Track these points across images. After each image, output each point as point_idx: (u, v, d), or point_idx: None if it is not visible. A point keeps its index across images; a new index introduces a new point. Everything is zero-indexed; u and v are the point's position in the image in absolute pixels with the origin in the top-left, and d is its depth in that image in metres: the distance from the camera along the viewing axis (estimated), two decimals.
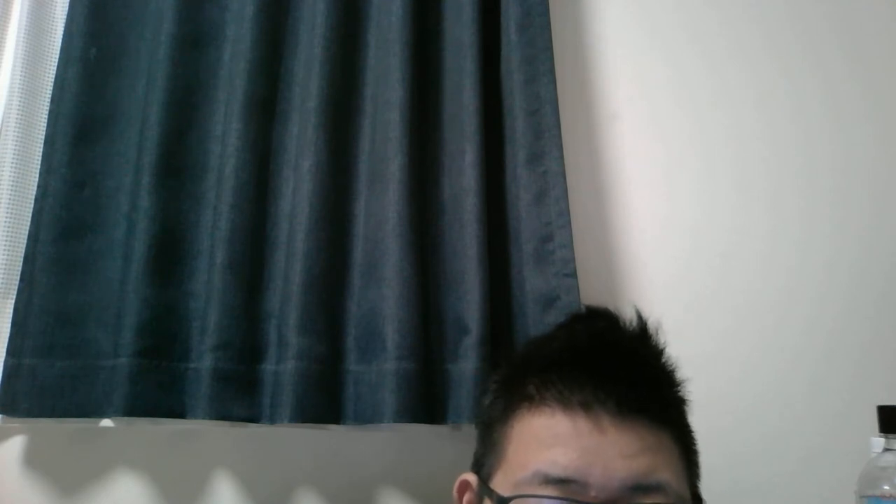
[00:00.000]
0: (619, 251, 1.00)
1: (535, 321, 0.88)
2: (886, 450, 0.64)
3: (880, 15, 1.06)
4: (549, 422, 0.53)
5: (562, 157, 0.92)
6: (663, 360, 0.58)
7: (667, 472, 0.51)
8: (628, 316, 0.60)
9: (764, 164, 1.02)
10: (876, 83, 1.04)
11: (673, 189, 1.02)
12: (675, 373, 0.58)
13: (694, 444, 0.58)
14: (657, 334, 0.59)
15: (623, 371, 0.54)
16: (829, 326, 0.96)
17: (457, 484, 0.61)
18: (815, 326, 0.96)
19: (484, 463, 0.58)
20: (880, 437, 0.65)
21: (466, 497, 0.60)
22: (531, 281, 0.90)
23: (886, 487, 0.62)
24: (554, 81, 0.94)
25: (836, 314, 0.96)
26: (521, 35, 0.96)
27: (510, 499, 0.51)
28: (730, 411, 0.92)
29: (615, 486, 0.49)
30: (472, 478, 0.60)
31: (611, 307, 0.61)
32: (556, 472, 0.50)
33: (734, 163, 1.02)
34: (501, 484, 0.53)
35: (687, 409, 0.59)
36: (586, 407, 0.52)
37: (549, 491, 0.50)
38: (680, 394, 0.58)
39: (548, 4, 0.97)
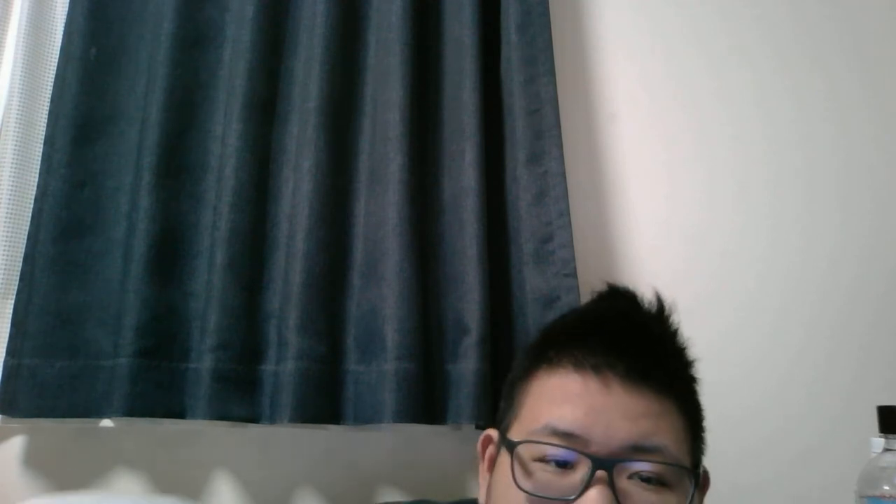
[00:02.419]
0: (619, 251, 1.00)
1: (535, 321, 0.88)
2: (886, 450, 0.64)
3: (881, 15, 1.06)
4: (562, 381, 0.57)
5: (562, 157, 0.92)
6: (676, 338, 0.62)
7: (667, 438, 0.55)
8: (648, 296, 0.64)
9: (765, 164, 1.02)
10: (877, 83, 1.04)
11: (673, 189, 1.02)
12: (686, 350, 0.62)
13: (701, 420, 0.61)
14: (672, 315, 0.63)
15: (635, 341, 0.58)
16: (829, 327, 0.96)
17: (481, 438, 0.66)
18: (816, 327, 0.96)
19: (504, 417, 0.62)
20: (880, 437, 0.65)
21: (489, 450, 0.64)
22: (531, 281, 0.90)
23: (886, 487, 0.62)
24: (554, 81, 0.94)
25: (836, 314, 0.96)
26: (521, 35, 0.96)
27: (519, 443, 0.56)
28: (730, 411, 0.92)
29: (615, 445, 0.53)
30: (493, 432, 0.64)
31: (632, 287, 0.64)
32: (563, 426, 0.55)
33: (735, 162, 1.02)
34: (516, 435, 0.58)
35: (697, 387, 0.62)
36: (596, 369, 0.56)
37: (555, 441, 0.54)
38: (689, 370, 0.62)
39: (548, 4, 0.97)
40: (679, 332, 0.62)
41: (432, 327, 0.89)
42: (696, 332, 0.94)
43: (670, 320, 0.63)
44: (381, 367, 0.86)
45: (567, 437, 0.54)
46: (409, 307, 0.86)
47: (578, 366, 0.57)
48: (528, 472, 0.55)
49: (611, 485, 0.52)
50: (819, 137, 1.02)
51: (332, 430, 0.90)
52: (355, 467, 0.94)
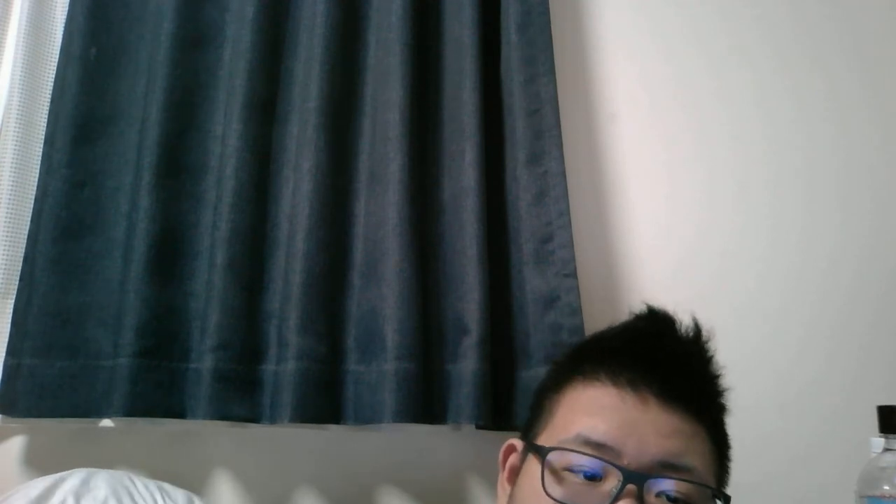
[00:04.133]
0: (619, 251, 1.00)
1: (535, 321, 0.88)
2: (886, 450, 0.64)
3: (881, 15, 1.06)
4: (597, 393, 0.58)
5: (562, 157, 0.92)
6: (711, 364, 0.63)
7: (697, 459, 0.55)
8: (685, 320, 0.64)
9: (765, 164, 1.02)
10: (877, 83, 1.04)
11: (673, 189, 1.02)
12: (720, 378, 0.63)
13: (728, 449, 0.62)
14: (709, 341, 0.63)
15: (672, 361, 0.59)
16: (829, 326, 0.96)
17: (503, 448, 0.66)
18: (816, 326, 0.96)
19: (531, 427, 0.63)
20: (880, 437, 0.65)
21: (511, 459, 0.65)
22: (531, 281, 0.90)
23: (886, 487, 0.62)
24: (554, 81, 0.94)
25: (836, 314, 0.96)
26: (521, 35, 0.96)
27: (551, 449, 0.56)
28: (730, 411, 0.92)
29: (646, 460, 0.53)
30: (517, 441, 0.65)
31: (671, 312, 0.65)
32: (596, 436, 0.55)
33: (735, 162, 1.02)
34: (545, 443, 0.58)
35: (726, 417, 0.63)
36: (633, 384, 0.57)
37: (587, 450, 0.54)
38: (721, 398, 0.62)
39: (548, 4, 0.97)
40: (714, 358, 0.63)
41: (432, 327, 0.89)
42: None
43: (707, 346, 0.63)
44: (381, 367, 0.86)
45: (599, 447, 0.54)
46: (409, 307, 0.86)
47: (615, 380, 0.57)
48: (558, 479, 0.55)
49: (639, 500, 0.52)
50: (819, 137, 1.02)
51: (332, 430, 0.90)
52: (355, 467, 0.94)
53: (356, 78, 0.98)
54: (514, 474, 0.62)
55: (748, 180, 1.01)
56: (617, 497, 0.52)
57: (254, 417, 0.87)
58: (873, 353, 0.94)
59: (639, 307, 0.66)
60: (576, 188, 0.96)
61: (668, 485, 0.53)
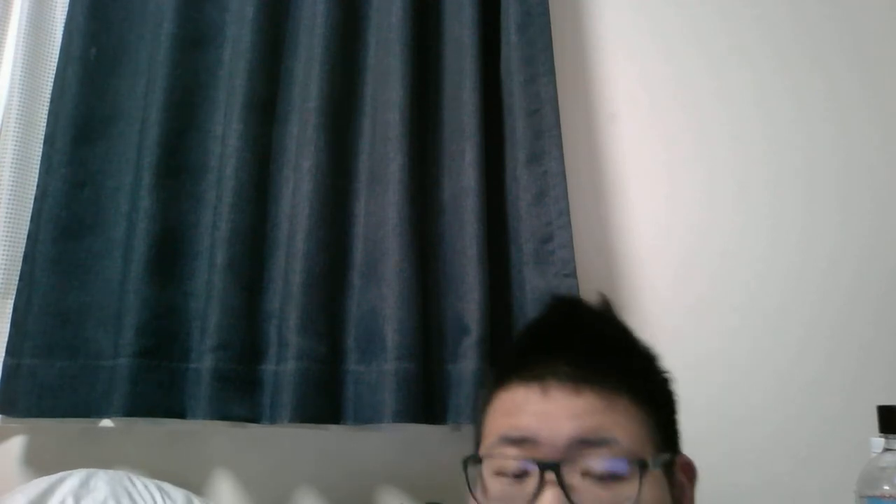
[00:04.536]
0: (619, 251, 1.00)
1: None
2: (886, 450, 0.64)
3: (881, 15, 1.06)
4: (511, 395, 0.59)
5: (562, 157, 0.92)
6: (621, 336, 0.63)
7: (617, 431, 0.55)
8: (593, 300, 0.65)
9: (765, 164, 1.02)
10: (877, 83, 1.04)
11: (673, 189, 1.02)
12: (634, 344, 0.63)
13: (668, 407, 0.62)
14: (616, 313, 0.64)
15: (575, 344, 0.60)
16: (829, 327, 0.96)
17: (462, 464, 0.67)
18: (816, 326, 0.96)
19: (476, 444, 0.64)
20: (880, 437, 0.65)
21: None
22: (531, 281, 0.90)
23: (886, 487, 0.62)
24: (554, 81, 0.94)
25: (836, 314, 0.96)
26: (521, 35, 0.96)
27: (470, 457, 0.59)
28: (730, 411, 0.92)
29: (561, 443, 0.54)
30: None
31: (577, 293, 0.67)
32: (514, 433, 0.56)
33: (735, 162, 1.02)
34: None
35: (657, 376, 0.62)
36: (540, 378, 0.58)
37: (510, 450, 0.56)
38: (641, 362, 0.62)
39: (548, 4, 0.97)
40: (626, 328, 0.63)
41: (432, 327, 0.89)
42: (696, 331, 0.96)
43: (614, 319, 0.64)
44: (381, 367, 0.86)
45: (519, 443, 0.56)
46: (409, 307, 0.86)
47: (524, 378, 0.59)
48: (486, 489, 0.57)
49: (561, 485, 0.53)
50: (819, 137, 1.02)
51: (332, 430, 0.90)
52: (355, 467, 0.94)
53: (356, 78, 0.98)
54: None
55: (748, 180, 1.01)
56: (538, 489, 0.53)
57: (254, 417, 0.87)
58: (873, 353, 0.94)
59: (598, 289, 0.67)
60: (576, 188, 0.96)
61: (586, 462, 0.54)
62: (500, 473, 0.56)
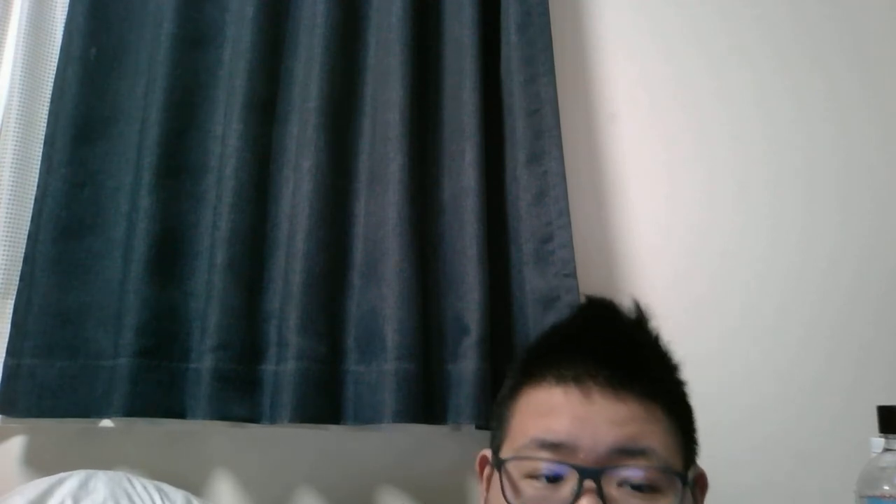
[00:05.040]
0: (619, 251, 1.00)
1: (535, 321, 0.88)
2: (886, 450, 0.64)
3: (881, 15, 1.06)
4: (546, 395, 0.58)
5: (562, 157, 0.92)
6: (656, 344, 0.63)
7: (653, 441, 0.55)
8: (626, 305, 0.64)
9: (765, 164, 1.02)
10: (877, 83, 1.04)
11: (673, 189, 1.02)
12: (667, 354, 0.63)
13: (692, 421, 0.61)
14: (651, 322, 0.64)
15: (615, 349, 0.59)
16: (829, 326, 0.96)
17: (478, 459, 0.66)
18: (816, 326, 0.96)
19: (494, 439, 0.63)
20: (880, 437, 0.65)
21: (486, 470, 0.64)
22: (531, 281, 0.90)
23: (886, 487, 0.62)
24: (554, 81, 0.94)
25: (836, 314, 0.96)
26: (521, 35, 0.96)
27: (506, 460, 0.57)
28: (730, 411, 0.92)
29: (602, 450, 0.54)
30: (488, 452, 0.64)
31: (610, 297, 0.65)
32: (550, 437, 0.55)
33: (735, 162, 1.02)
34: (507, 453, 0.59)
35: (684, 389, 0.62)
36: (578, 380, 0.57)
37: (544, 454, 0.55)
38: (673, 373, 0.62)
39: (548, 4, 0.97)
40: (659, 337, 0.63)
41: (432, 327, 0.89)
42: (696, 332, 0.96)
43: (649, 326, 0.63)
44: (381, 367, 0.86)
45: (555, 448, 0.55)
46: (409, 307, 0.86)
47: (560, 378, 0.58)
48: (517, 490, 0.56)
49: (599, 494, 0.52)
50: (819, 137, 1.02)
51: (332, 430, 0.90)
52: (355, 467, 0.94)
53: (356, 78, 0.98)
54: (489, 485, 0.62)
55: (748, 180, 1.01)
56: (577, 496, 0.52)
57: (253, 417, 0.87)
58: (873, 353, 0.94)
59: (592, 295, 0.66)
60: (576, 188, 0.96)
61: (626, 472, 0.53)
62: (531, 476, 0.55)
